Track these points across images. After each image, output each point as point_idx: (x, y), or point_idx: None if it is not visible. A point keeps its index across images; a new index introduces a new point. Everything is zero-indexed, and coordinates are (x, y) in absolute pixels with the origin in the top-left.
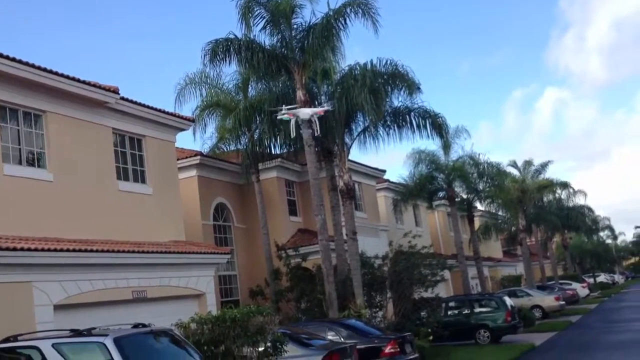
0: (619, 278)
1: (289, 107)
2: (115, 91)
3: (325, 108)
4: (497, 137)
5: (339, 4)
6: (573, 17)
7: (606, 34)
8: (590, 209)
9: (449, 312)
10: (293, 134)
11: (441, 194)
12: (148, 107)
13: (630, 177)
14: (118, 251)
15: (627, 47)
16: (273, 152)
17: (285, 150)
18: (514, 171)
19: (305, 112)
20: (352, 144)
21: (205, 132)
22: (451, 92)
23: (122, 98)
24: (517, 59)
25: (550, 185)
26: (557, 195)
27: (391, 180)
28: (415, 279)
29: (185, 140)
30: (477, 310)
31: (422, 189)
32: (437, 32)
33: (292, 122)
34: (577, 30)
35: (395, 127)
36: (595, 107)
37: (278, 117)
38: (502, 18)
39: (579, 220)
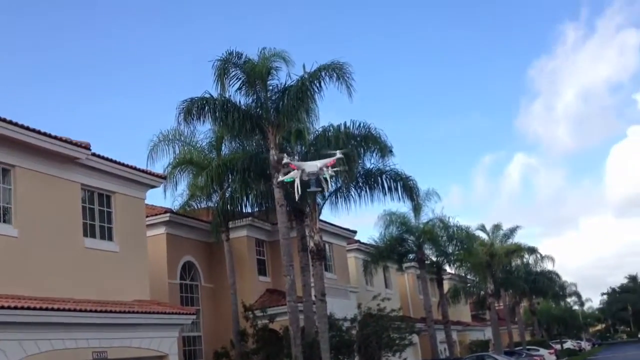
0: (585, 345)
1: (287, 161)
2: (87, 147)
3: (338, 157)
4: (468, 201)
5: (315, 67)
6: (542, 86)
7: (573, 103)
8: (557, 275)
9: None
10: (299, 194)
11: (411, 256)
12: (119, 163)
13: (596, 245)
14: (79, 310)
15: (593, 117)
16: (244, 211)
17: (256, 209)
18: (483, 235)
19: (313, 165)
20: (323, 204)
21: (176, 189)
22: (423, 156)
23: (93, 154)
24: (488, 125)
25: (518, 249)
26: (525, 260)
27: (362, 241)
28: (383, 343)
29: (156, 197)
30: None
31: (392, 251)
32: (411, 97)
33: (297, 179)
34: (546, 99)
35: (367, 189)
36: (563, 174)
37: (279, 180)
38: (475, 85)
39: (547, 286)
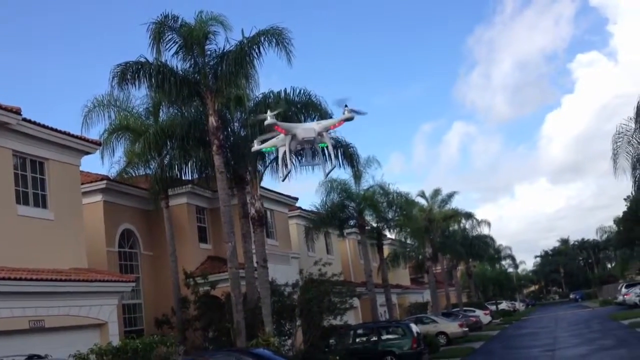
0: (520, 305)
1: (271, 122)
2: (17, 112)
3: (346, 116)
4: (408, 169)
5: (254, 32)
6: (480, 55)
7: (510, 72)
8: (492, 239)
9: (357, 340)
10: (286, 171)
11: (352, 222)
12: (51, 129)
13: (530, 210)
14: (14, 278)
15: (529, 86)
16: (183, 178)
17: (196, 177)
18: (422, 201)
19: (309, 129)
20: (264, 171)
21: (113, 156)
22: (365, 124)
23: (24, 119)
24: (427, 93)
25: (455, 215)
26: (462, 225)
27: (303, 208)
28: (325, 307)
29: (93, 164)
30: (384, 337)
31: (333, 217)
32: (353, 65)
33: (287, 147)
34: (483, 68)
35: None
36: (500, 142)
37: (253, 149)
38: (416, 54)
39: (482, 250)
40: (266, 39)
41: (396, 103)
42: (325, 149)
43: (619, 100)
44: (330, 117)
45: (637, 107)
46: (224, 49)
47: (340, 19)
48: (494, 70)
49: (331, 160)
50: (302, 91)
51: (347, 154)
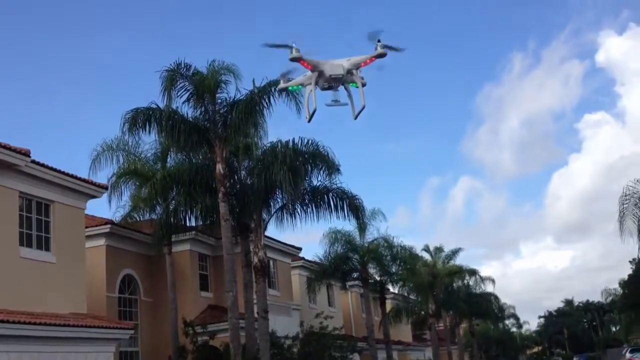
0: None
1: (296, 56)
2: (26, 154)
3: (379, 52)
4: (413, 222)
5: (264, 82)
6: (488, 112)
7: (518, 130)
8: (496, 297)
9: None
10: (311, 113)
11: (355, 274)
12: (59, 171)
13: (535, 268)
14: (12, 322)
15: (536, 144)
16: (188, 224)
17: (200, 223)
18: (427, 256)
19: (337, 66)
20: (269, 220)
21: (121, 199)
22: (372, 176)
23: (33, 161)
24: (435, 148)
25: (460, 271)
26: (466, 281)
27: (306, 258)
28: None
29: (100, 208)
30: None
31: (336, 269)
32: (361, 118)
33: (312, 85)
34: (491, 125)
35: (313, 206)
36: (505, 198)
37: (279, 87)
38: (426, 107)
39: (486, 308)
40: (276, 89)
41: (404, 155)
42: (355, 88)
43: (626, 161)
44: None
45: None
46: (234, 97)
47: None
48: (501, 127)
49: (363, 99)
50: (310, 141)
51: (353, 206)
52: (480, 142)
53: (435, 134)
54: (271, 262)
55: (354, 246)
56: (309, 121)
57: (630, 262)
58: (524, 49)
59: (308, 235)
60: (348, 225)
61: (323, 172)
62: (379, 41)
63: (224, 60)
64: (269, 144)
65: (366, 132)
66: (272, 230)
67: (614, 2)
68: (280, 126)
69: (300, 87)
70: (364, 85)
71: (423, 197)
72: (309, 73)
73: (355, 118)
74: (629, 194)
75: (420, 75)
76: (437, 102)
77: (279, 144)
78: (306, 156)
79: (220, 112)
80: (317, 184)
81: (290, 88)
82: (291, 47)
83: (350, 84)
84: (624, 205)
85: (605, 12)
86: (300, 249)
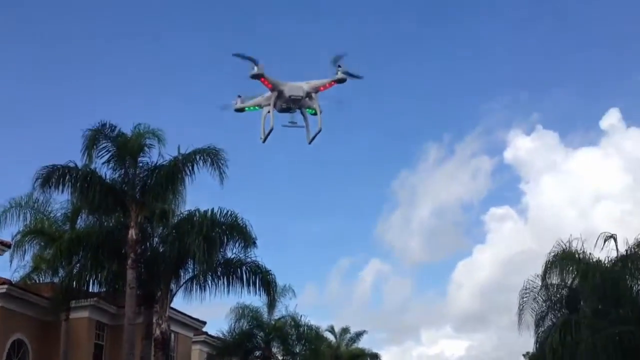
0: None
1: (257, 73)
2: None
3: (338, 77)
4: (320, 300)
5: (190, 149)
6: (402, 198)
7: (428, 218)
8: None
9: None
10: (266, 134)
11: (258, 353)
12: None
13: (433, 357)
14: None
15: (444, 232)
16: (90, 290)
17: (104, 290)
18: (331, 337)
19: (297, 88)
20: (177, 290)
21: (24, 259)
22: (283, 251)
23: None
24: (349, 228)
25: (362, 354)
26: None
27: (209, 333)
28: None
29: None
30: None
31: (239, 346)
32: (279, 194)
33: (271, 105)
34: (404, 211)
35: (225, 279)
36: (411, 284)
37: (235, 108)
38: (343, 190)
39: None
40: (202, 157)
41: (317, 232)
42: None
43: (524, 256)
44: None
45: (545, 266)
46: (156, 162)
47: (275, 148)
48: (413, 213)
49: (320, 122)
50: (229, 212)
51: (265, 281)
52: (393, 227)
53: (351, 214)
54: (172, 335)
55: (261, 323)
56: (263, 141)
57: (524, 355)
58: (439, 140)
59: (212, 309)
60: (257, 300)
61: (239, 245)
62: (339, 66)
63: (149, 124)
64: (186, 212)
65: (282, 205)
66: (179, 302)
67: (525, 104)
68: (200, 193)
69: (256, 108)
70: (342, 81)
71: (332, 276)
72: (267, 94)
73: (310, 142)
74: (529, 288)
75: (342, 155)
76: (356, 183)
77: (196, 212)
78: (224, 227)
79: (141, 176)
80: (232, 257)
81: (247, 109)
82: (256, 63)
83: (307, 110)
84: (524, 299)
85: (516, 113)
86: (204, 322)
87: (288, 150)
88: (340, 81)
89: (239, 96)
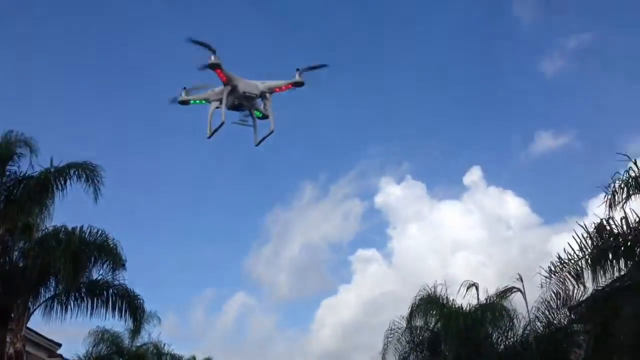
0: None
1: (214, 62)
2: None
3: (296, 80)
4: (184, 329)
5: (64, 163)
6: (274, 233)
7: (298, 255)
8: None
9: None
10: (221, 121)
11: None
12: None
13: None
14: None
15: (313, 270)
16: None
17: None
18: None
19: (252, 85)
20: (35, 309)
21: None
22: (152, 277)
23: None
24: (218, 259)
25: None
26: None
27: (64, 356)
28: None
29: None
30: None
31: None
32: (152, 220)
33: (224, 98)
34: (275, 246)
35: (90, 301)
36: (275, 320)
37: (180, 100)
38: (216, 220)
39: None
40: (76, 172)
41: (185, 262)
42: (258, 118)
43: (387, 298)
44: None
45: (411, 309)
46: (25, 173)
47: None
48: (284, 250)
49: (272, 124)
50: (99, 232)
51: (133, 306)
52: (262, 261)
53: (222, 245)
54: (24, 355)
55: (121, 349)
56: (209, 137)
57: None
58: (315, 180)
59: (68, 331)
60: (119, 325)
61: (107, 266)
62: (297, 69)
63: (23, 132)
64: (51, 227)
65: (155, 229)
66: (36, 320)
67: (398, 153)
68: (69, 209)
69: (203, 102)
70: (300, 85)
71: (198, 305)
72: (217, 89)
73: (257, 144)
74: (394, 329)
75: (219, 185)
76: (231, 215)
77: (63, 229)
78: (92, 246)
79: (7, 185)
80: (99, 278)
81: (192, 102)
82: (214, 52)
83: (255, 111)
84: (388, 339)
85: (389, 161)
86: (59, 344)
87: (169, 175)
88: (298, 84)
89: (185, 88)
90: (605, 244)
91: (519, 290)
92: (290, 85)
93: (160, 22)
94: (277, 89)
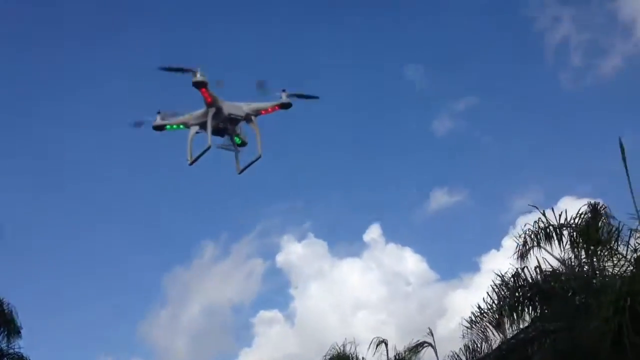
0: None
1: (199, 78)
2: None
3: (283, 101)
4: None
5: None
6: (172, 295)
7: (197, 318)
8: None
9: None
10: (206, 146)
11: None
12: None
13: None
14: None
15: (213, 333)
16: None
17: None
18: None
19: (236, 107)
20: None
21: None
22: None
23: None
24: (110, 324)
25: None
26: None
27: None
28: None
29: None
30: None
31: None
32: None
33: (209, 120)
34: (173, 309)
35: None
36: None
37: (155, 124)
38: (109, 279)
39: None
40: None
41: (77, 326)
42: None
43: None
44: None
45: None
46: None
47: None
48: (182, 312)
49: (259, 149)
50: None
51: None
52: (159, 325)
53: (116, 308)
54: None
55: None
56: (190, 163)
57: None
58: (216, 239)
59: None
60: None
61: (2, 334)
62: (284, 90)
63: None
64: None
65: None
66: None
67: (300, 212)
68: None
69: (181, 127)
70: (286, 106)
71: None
72: (196, 112)
73: (240, 172)
74: None
75: (112, 245)
76: (124, 277)
77: None
78: None
79: None
80: None
81: (168, 127)
82: (195, 71)
83: (235, 137)
84: None
85: (291, 219)
86: None
87: (55, 234)
88: (285, 106)
89: (159, 112)
90: (521, 293)
91: (430, 344)
92: (277, 107)
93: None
94: (263, 111)
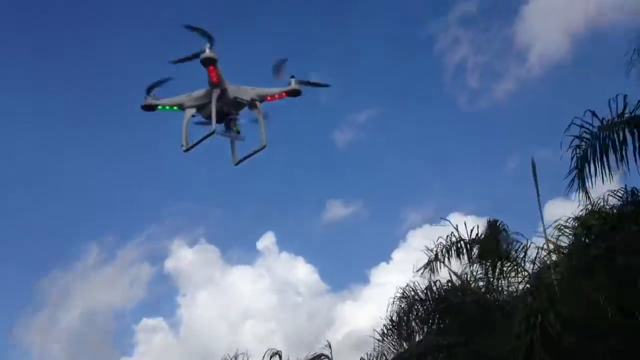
0: None
1: (209, 54)
2: None
3: (292, 87)
4: None
5: None
6: (51, 298)
7: (77, 322)
8: None
9: None
10: (212, 129)
11: None
12: None
13: None
14: None
15: (93, 340)
16: None
17: None
18: None
19: (243, 91)
20: None
21: None
22: None
23: None
24: None
25: None
26: None
27: None
28: None
29: None
30: None
31: None
32: None
33: (213, 102)
34: (51, 312)
35: None
36: None
37: (146, 103)
38: None
39: None
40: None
41: None
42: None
43: None
44: None
45: None
46: None
47: None
48: (61, 316)
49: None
50: None
51: None
52: (34, 330)
53: None
54: None
55: None
56: (186, 150)
57: None
58: (102, 242)
59: None
60: None
61: None
62: (292, 77)
63: None
64: None
65: None
66: None
67: (193, 216)
68: None
69: (175, 108)
70: (296, 94)
71: None
72: (195, 93)
73: (237, 164)
74: None
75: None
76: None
77: None
78: None
79: None
80: None
81: (160, 107)
82: (212, 43)
83: (234, 128)
84: None
85: (183, 223)
86: None
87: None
88: (294, 93)
89: (150, 87)
90: (428, 306)
91: (327, 357)
92: (284, 94)
93: None
94: (269, 98)
